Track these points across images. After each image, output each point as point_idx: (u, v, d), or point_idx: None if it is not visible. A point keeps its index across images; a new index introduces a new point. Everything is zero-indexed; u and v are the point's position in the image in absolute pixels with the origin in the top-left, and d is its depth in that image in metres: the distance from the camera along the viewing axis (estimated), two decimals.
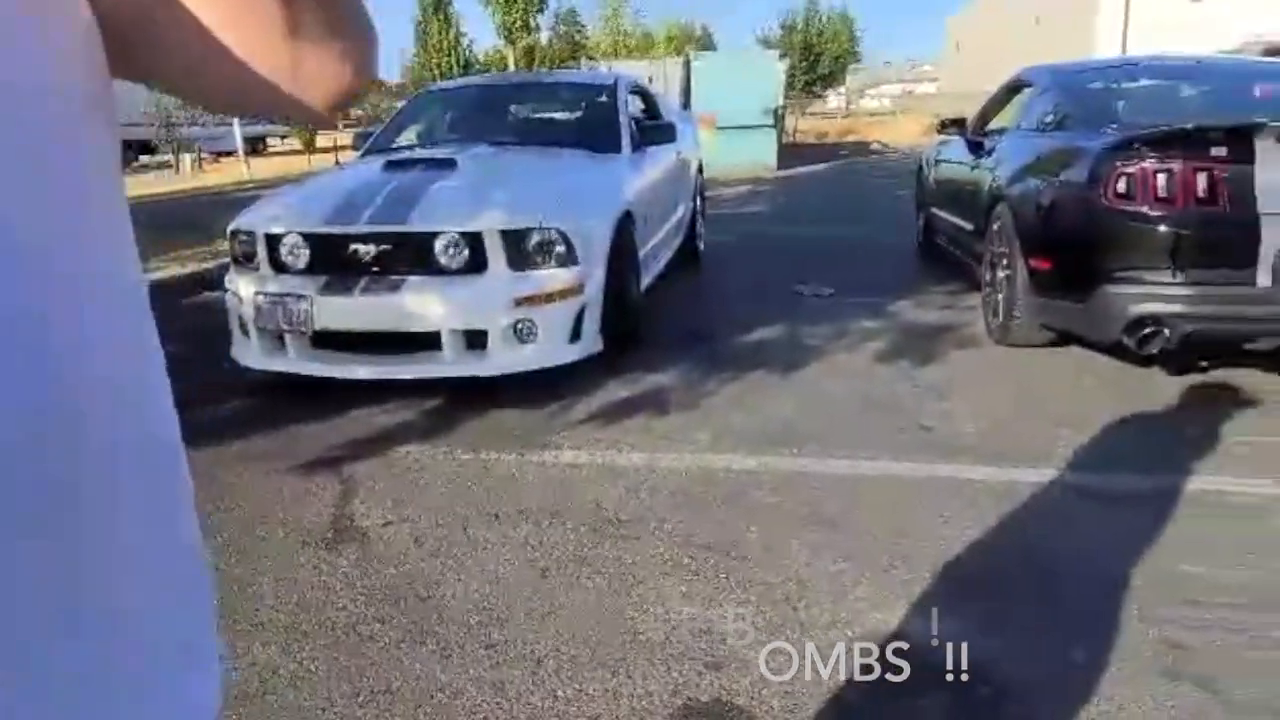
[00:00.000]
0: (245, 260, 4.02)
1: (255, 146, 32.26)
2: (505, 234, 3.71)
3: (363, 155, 5.30)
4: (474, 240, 3.70)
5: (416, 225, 3.70)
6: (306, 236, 3.83)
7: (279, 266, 3.90)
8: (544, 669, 2.07)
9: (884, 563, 2.48)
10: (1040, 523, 2.72)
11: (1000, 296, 4.51)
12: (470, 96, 5.76)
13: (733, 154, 14.59)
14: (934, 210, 6.56)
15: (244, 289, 3.90)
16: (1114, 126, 4.09)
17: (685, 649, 2.12)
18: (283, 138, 34.94)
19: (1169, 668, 2.00)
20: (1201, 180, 3.48)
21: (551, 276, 3.78)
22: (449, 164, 4.23)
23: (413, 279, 3.71)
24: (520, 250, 3.74)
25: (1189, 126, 3.60)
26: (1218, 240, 3.50)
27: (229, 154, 25.12)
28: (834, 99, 49.42)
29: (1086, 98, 4.65)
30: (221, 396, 3.97)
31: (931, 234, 6.73)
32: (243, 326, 3.95)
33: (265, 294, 3.81)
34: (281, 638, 2.22)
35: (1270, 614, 2.19)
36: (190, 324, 5.00)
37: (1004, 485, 2.95)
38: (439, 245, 3.71)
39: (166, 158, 28.48)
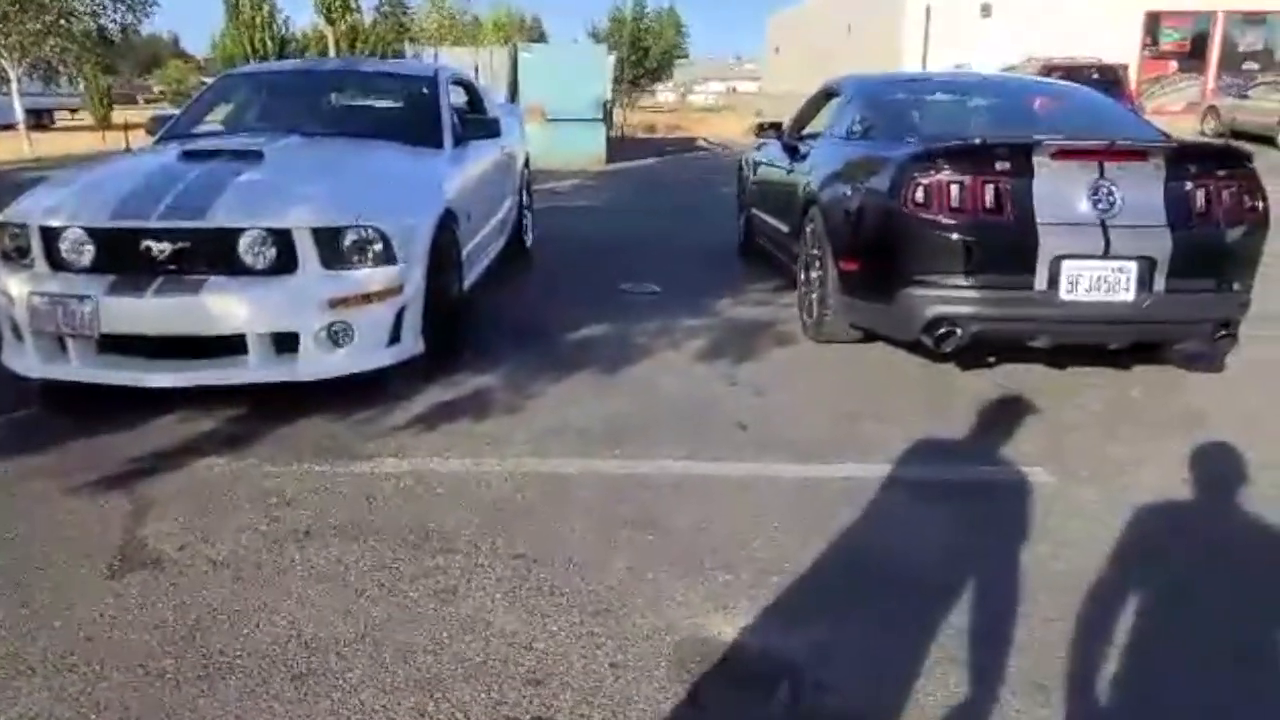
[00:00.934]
0: (16, 255, 3.62)
1: (41, 120, 29.26)
2: (318, 232, 3.52)
3: (158, 141, 4.91)
4: (283, 238, 3.49)
5: (219, 221, 3.45)
6: (91, 231, 3.49)
7: (57, 264, 3.54)
8: (357, 697, 1.98)
9: (703, 566, 2.53)
10: (849, 517, 2.86)
11: (814, 296, 4.72)
12: (281, 82, 5.43)
13: (562, 146, 14.55)
14: (754, 211, 6.78)
15: (15, 288, 3.51)
16: (913, 137, 4.36)
17: (505, 666, 2.09)
18: (73, 111, 31.86)
19: (960, 657, 2.15)
20: (989, 192, 3.76)
21: (368, 277, 3.63)
22: (255, 155, 3.97)
23: (215, 279, 3.46)
24: (334, 249, 3.56)
25: (978, 141, 3.88)
26: (1002, 247, 3.80)
27: (8, 127, 22.67)
28: (662, 92, 50.33)
29: (889, 108, 4.93)
30: None
31: (752, 234, 6.95)
32: (15, 330, 3.56)
33: (41, 294, 3.44)
34: (57, 680, 2.02)
35: (1044, 595, 2.40)
36: None
37: (816, 481, 3.08)
38: (244, 243, 3.48)
39: None
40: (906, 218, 3.87)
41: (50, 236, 3.52)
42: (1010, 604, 2.36)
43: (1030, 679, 2.06)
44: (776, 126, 6.43)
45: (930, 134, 4.37)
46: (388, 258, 3.66)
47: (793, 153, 5.73)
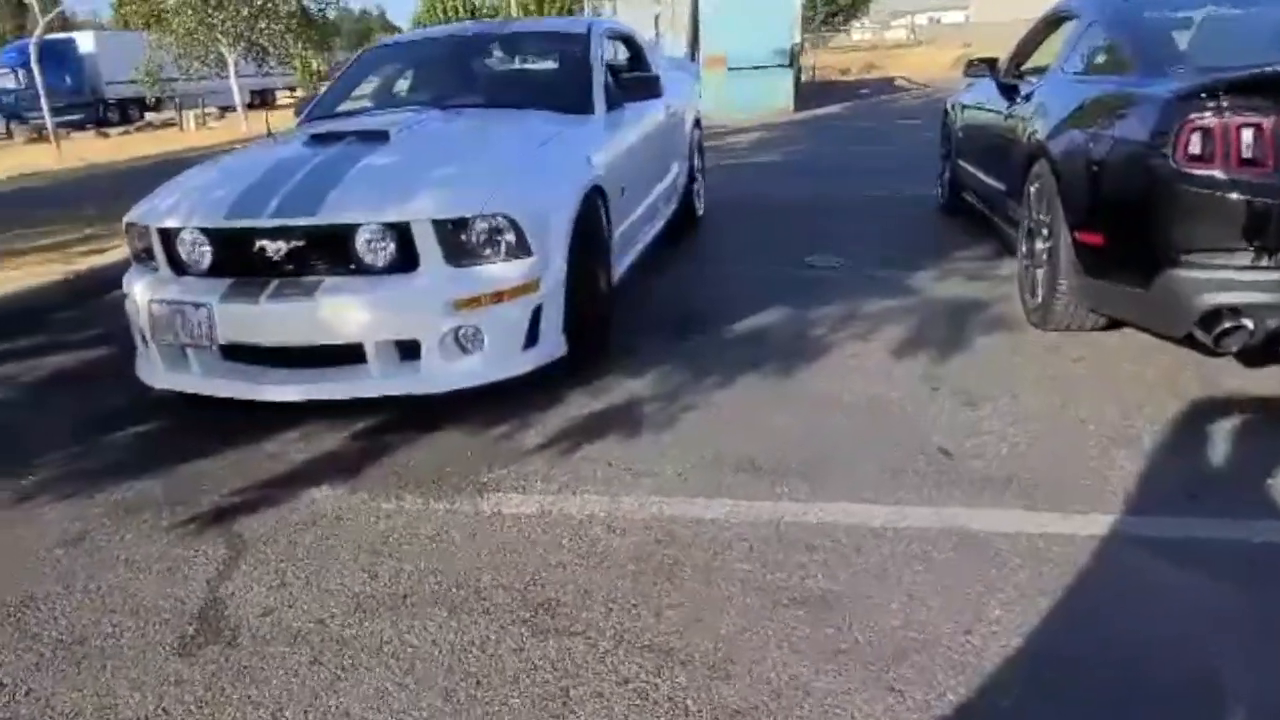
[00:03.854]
0: (145, 257, 3.42)
1: (264, 99, 31.52)
2: (439, 224, 3.07)
3: (301, 122, 4.65)
4: (402, 233, 3.07)
5: (330, 217, 3.07)
6: (206, 232, 3.21)
7: (179, 267, 3.30)
8: None
9: (894, 676, 1.87)
10: (1094, 594, 2.09)
11: (1040, 273, 3.82)
12: (424, 52, 5.04)
13: (746, 97, 13.77)
14: (961, 163, 5.82)
15: (139, 293, 3.30)
16: (1182, 68, 3.34)
17: None
18: (292, 90, 34.06)
19: None
20: None
21: (499, 272, 3.15)
22: (380, 137, 3.58)
23: (330, 281, 3.10)
24: (459, 242, 3.11)
25: None
26: None
27: (230, 109, 24.34)
28: (858, 30, 47.54)
29: (1146, 31, 3.86)
30: (115, 424, 3.40)
31: (959, 189, 5.99)
32: (143, 338, 3.37)
33: (161, 301, 3.21)
34: None
35: None
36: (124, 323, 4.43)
37: (1044, 539, 2.32)
38: (360, 240, 3.08)
39: (170, 115, 27.90)
40: (1174, 175, 2.92)
41: (169, 238, 3.28)
42: None
43: None
44: (990, 63, 5.42)
45: (1204, 64, 3.33)
46: (521, 249, 3.17)
47: (1011, 93, 4.74)
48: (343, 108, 4.70)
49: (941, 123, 6.62)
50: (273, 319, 3.06)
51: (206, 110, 24.99)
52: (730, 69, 13.97)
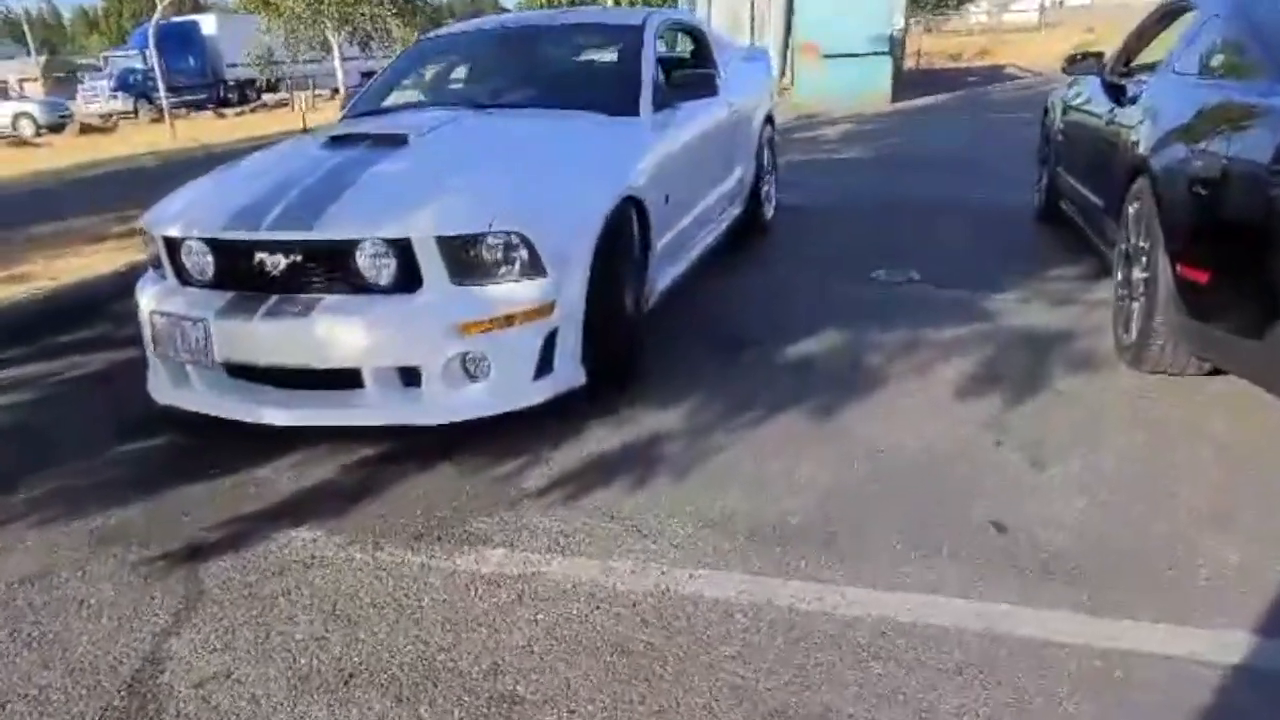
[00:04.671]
0: (156, 265, 3.28)
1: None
2: (443, 241, 2.82)
3: (344, 118, 4.48)
4: (404, 249, 2.83)
5: (327, 231, 2.85)
6: (209, 242, 3.04)
7: (185, 278, 3.15)
8: None
9: None
10: None
11: (1136, 306, 3.33)
12: (472, 45, 4.79)
13: (840, 86, 13.16)
14: (1060, 169, 5.26)
15: (144, 304, 3.17)
16: None
17: None
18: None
19: None
20: None
21: (508, 293, 2.88)
22: (398, 141, 3.34)
23: (329, 299, 2.88)
24: (466, 261, 2.85)
25: None
26: None
27: (338, 91, 24.86)
28: (975, 13, 45.37)
29: (1275, 28, 3.30)
30: (123, 437, 3.28)
31: (1056, 197, 5.42)
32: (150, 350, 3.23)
33: (162, 313, 3.06)
34: None
35: None
36: None
37: (1113, 656, 1.91)
38: (360, 256, 2.86)
39: (285, 96, 28.77)
40: None
41: (173, 247, 3.12)
42: None
43: None
44: (1097, 57, 4.86)
45: None
46: (534, 268, 2.89)
47: (1116, 94, 4.20)
48: (389, 102, 4.50)
49: (1041, 121, 6.03)
50: (267, 338, 2.87)
51: (317, 92, 25.63)
52: (825, 56, 13.37)
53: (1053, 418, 3.04)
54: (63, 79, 40.22)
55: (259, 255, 2.94)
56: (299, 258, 2.91)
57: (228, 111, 28.54)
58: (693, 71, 4.36)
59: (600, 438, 3.06)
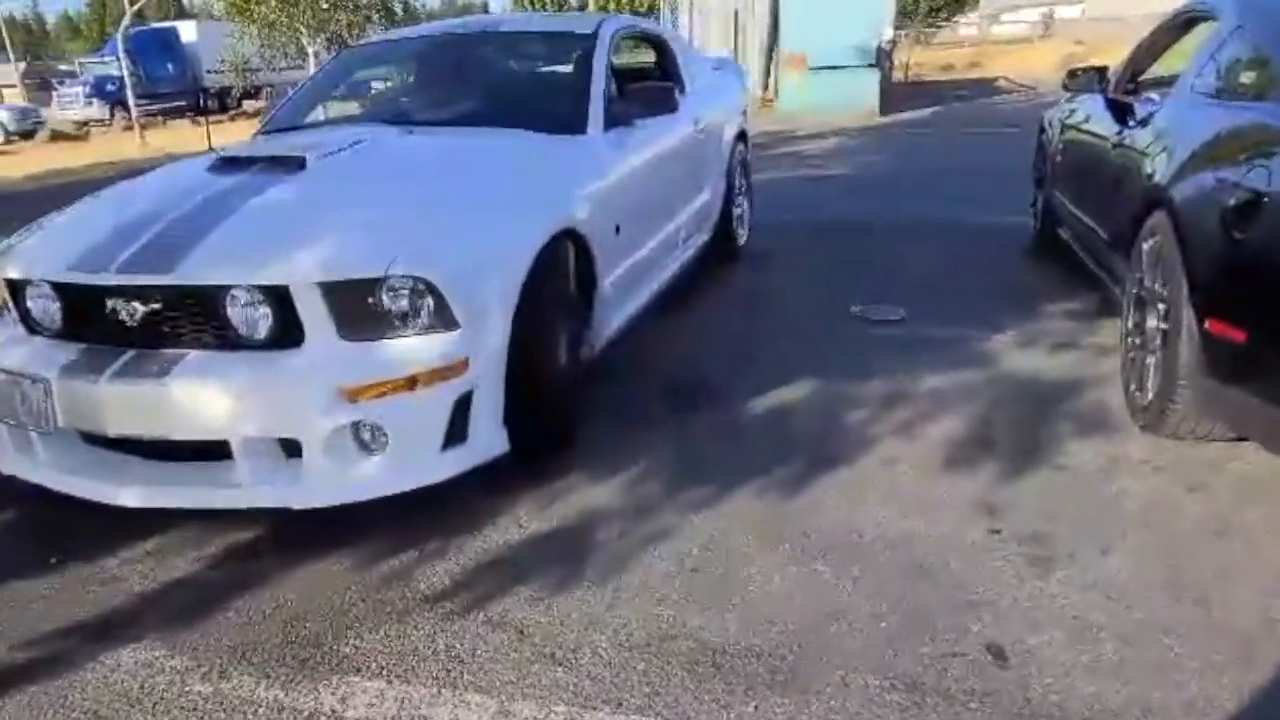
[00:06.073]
0: (5, 309, 2.79)
1: None
2: (330, 288, 2.34)
3: (259, 134, 3.99)
4: (282, 298, 2.35)
5: (186, 276, 2.36)
6: (56, 286, 2.55)
7: (32, 325, 2.65)
8: None
9: None
10: None
11: (1152, 361, 2.87)
12: (408, 54, 4.31)
13: (826, 98, 12.77)
14: (1057, 193, 4.82)
15: None
16: None
17: None
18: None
19: None
20: None
21: (411, 351, 2.39)
22: (293, 165, 2.86)
23: (192, 357, 2.39)
24: (358, 311, 2.37)
25: None
26: None
27: None
28: (965, 25, 45.12)
29: None
30: None
31: (1053, 222, 4.98)
32: None
33: (1, 369, 2.57)
34: None
35: None
36: None
37: None
38: (230, 306, 2.37)
39: (265, 103, 28.22)
40: None
41: (17, 289, 2.63)
42: None
43: None
44: (1100, 73, 4.42)
45: None
46: (443, 319, 2.41)
47: (1123, 114, 3.76)
48: (311, 118, 4.01)
49: (1037, 140, 5.59)
50: (114, 404, 2.37)
51: None
52: (811, 69, 12.96)
53: (1056, 497, 2.57)
54: (42, 85, 39.59)
55: (111, 302, 2.45)
56: (157, 306, 2.42)
57: (203, 119, 27.98)
58: (651, 85, 3.88)
59: (522, 519, 2.57)
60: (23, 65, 45.33)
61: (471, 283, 2.48)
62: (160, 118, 26.84)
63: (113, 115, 28.42)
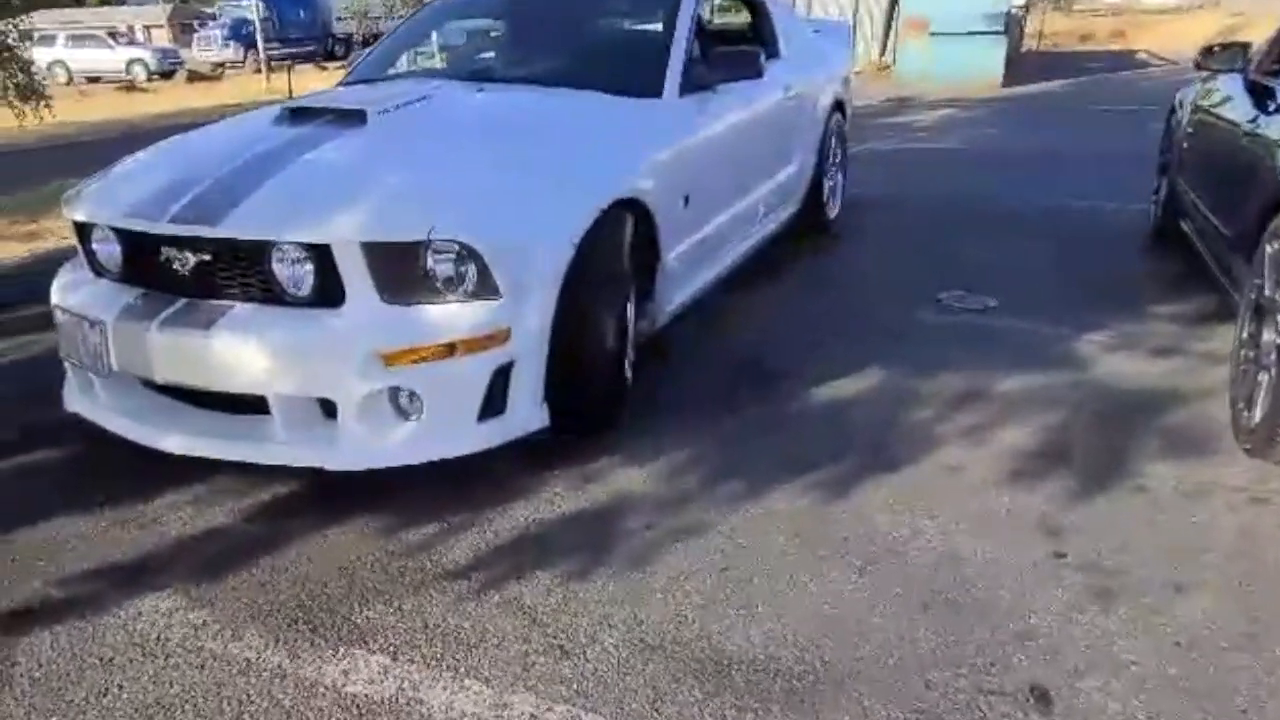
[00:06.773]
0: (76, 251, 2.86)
1: None
2: (370, 248, 2.29)
3: (343, 83, 3.97)
4: (325, 256, 2.31)
5: (230, 228, 2.35)
6: (117, 231, 2.59)
7: (97, 267, 2.71)
8: None
9: None
10: None
11: (1265, 378, 2.58)
12: (485, 7, 4.21)
13: (947, 67, 12.16)
14: (1182, 181, 4.41)
15: (53, 295, 2.74)
16: None
17: None
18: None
19: None
20: None
21: (451, 317, 2.34)
22: (354, 119, 2.81)
23: (238, 310, 2.39)
24: (399, 274, 2.32)
25: None
26: None
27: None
28: None
29: None
30: (14, 449, 2.87)
31: (1175, 213, 4.57)
32: None
33: (65, 309, 2.63)
34: None
35: None
36: None
37: None
38: (275, 261, 2.35)
39: None
40: None
41: (85, 232, 2.68)
42: None
43: None
44: (1243, 50, 4.00)
45: None
46: (485, 288, 2.34)
47: (1262, 98, 3.38)
48: (392, 71, 3.97)
49: (1166, 121, 5.13)
50: (162, 351, 2.39)
51: None
52: (933, 34, 12.31)
53: (1131, 523, 2.34)
54: (185, 27, 41.36)
55: (165, 250, 2.47)
56: (207, 258, 2.42)
57: (330, 65, 28.74)
58: (738, 48, 3.68)
59: (555, 500, 2.50)
60: (170, 6, 47.48)
61: (517, 251, 2.40)
62: (289, 62, 27.73)
63: (246, 57, 29.52)
